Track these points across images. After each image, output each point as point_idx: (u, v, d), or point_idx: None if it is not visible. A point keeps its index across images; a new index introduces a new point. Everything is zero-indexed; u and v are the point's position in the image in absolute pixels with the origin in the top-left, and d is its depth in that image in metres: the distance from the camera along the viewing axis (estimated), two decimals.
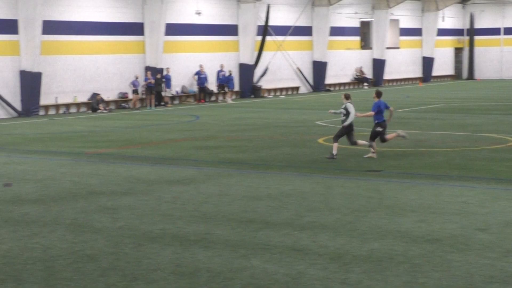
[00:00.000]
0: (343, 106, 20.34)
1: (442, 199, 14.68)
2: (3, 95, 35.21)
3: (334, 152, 20.00)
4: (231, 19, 47.72)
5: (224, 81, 45.56)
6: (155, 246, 11.38)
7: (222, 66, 45.87)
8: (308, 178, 17.39)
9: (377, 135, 20.64)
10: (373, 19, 59.61)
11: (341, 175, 17.76)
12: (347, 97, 20.62)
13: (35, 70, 35.68)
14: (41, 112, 36.73)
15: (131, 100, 40.76)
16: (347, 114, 20.17)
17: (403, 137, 21.42)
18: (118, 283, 9.60)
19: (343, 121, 20.25)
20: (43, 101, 36.76)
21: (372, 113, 20.71)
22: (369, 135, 20.77)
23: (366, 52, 59.98)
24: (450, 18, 67.61)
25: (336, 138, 20.26)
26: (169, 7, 42.57)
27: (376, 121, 20.64)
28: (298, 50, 53.09)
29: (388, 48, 60.87)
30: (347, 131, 20.28)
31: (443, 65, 68.63)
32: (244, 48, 48.19)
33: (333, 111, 21.43)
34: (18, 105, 35.90)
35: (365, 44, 60.49)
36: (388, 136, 21.00)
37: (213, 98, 45.72)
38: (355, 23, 58.56)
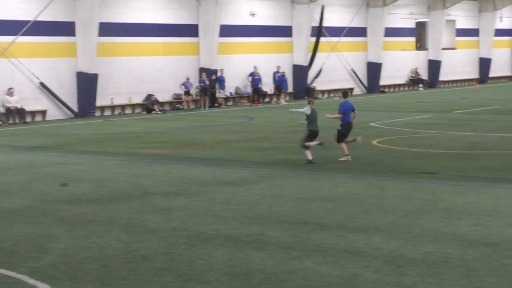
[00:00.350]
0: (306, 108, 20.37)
1: (499, 202, 14.44)
2: (60, 96, 35.73)
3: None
4: (285, 20, 47.69)
5: (278, 82, 45.54)
6: (208, 246, 11.42)
7: (278, 67, 45.88)
8: (362, 180, 17.28)
9: (342, 136, 20.56)
10: (428, 20, 58.97)
11: (396, 177, 17.61)
12: (311, 102, 20.84)
13: (92, 71, 36.14)
14: (97, 113, 37.18)
15: (184, 101, 41.01)
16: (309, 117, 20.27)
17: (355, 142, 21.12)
18: (171, 283, 9.65)
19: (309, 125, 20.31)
20: (99, 102, 37.21)
21: (339, 115, 20.68)
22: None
23: (421, 53, 59.39)
24: (508, 18, 66.50)
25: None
26: (224, 8, 42.73)
27: (341, 123, 20.60)
28: (352, 51, 52.82)
29: (444, 49, 60.15)
30: (311, 135, 20.30)
31: (501, 66, 67.55)
32: (298, 49, 48.13)
33: (294, 110, 21.38)
34: (74, 106, 36.40)
35: (421, 45, 59.90)
36: (349, 138, 20.80)
37: (266, 100, 45.75)
38: (411, 24, 58.01)
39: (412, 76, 57.87)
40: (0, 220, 13.51)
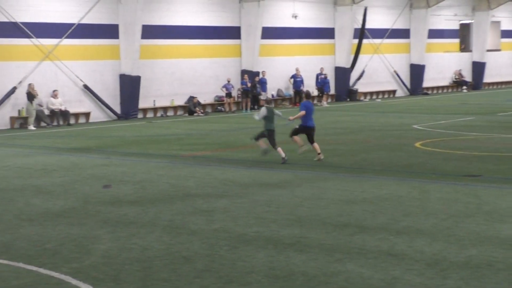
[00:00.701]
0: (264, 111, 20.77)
1: None
2: (103, 98, 36.06)
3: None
4: (328, 22, 47.59)
5: (320, 84, 45.44)
6: (249, 248, 11.42)
7: (321, 69, 45.80)
8: (404, 182, 17.15)
9: (296, 131, 20.86)
10: (473, 21, 58.39)
11: (438, 180, 17.44)
12: (268, 102, 21.42)
13: (134, 74, 36.42)
14: (140, 115, 37.46)
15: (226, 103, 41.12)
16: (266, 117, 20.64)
17: (302, 149, 21.17)
18: (213, 285, 9.67)
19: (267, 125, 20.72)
20: (142, 104, 37.47)
21: (302, 113, 20.74)
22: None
23: (465, 54, 58.81)
24: None
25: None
26: (266, 10, 42.76)
27: (302, 124, 20.86)
28: (395, 53, 52.51)
29: (488, 50, 59.50)
30: (268, 134, 20.73)
31: None
32: (340, 51, 47.99)
33: (257, 116, 21.44)
34: (117, 108, 36.71)
35: (465, 46, 59.32)
36: (297, 138, 20.95)
37: None
38: (455, 25, 57.49)
39: (455, 78, 57.35)
40: (44, 221, 13.66)
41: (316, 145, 20.84)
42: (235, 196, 15.78)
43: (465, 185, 16.72)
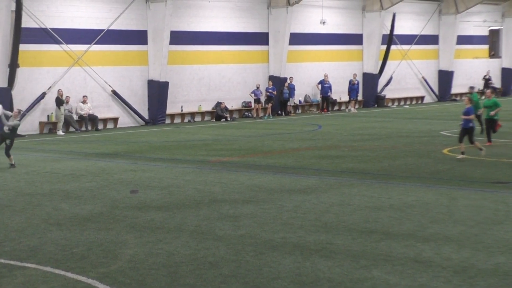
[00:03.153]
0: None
1: None
2: (131, 104, 36.25)
3: None
4: (356, 28, 47.49)
5: (349, 90, 45.33)
6: (275, 254, 11.42)
7: (354, 75, 45.68)
8: (432, 189, 17.06)
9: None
10: (502, 27, 57.96)
11: (466, 186, 17.34)
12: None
13: (162, 79, 36.57)
14: (167, 121, 37.59)
15: (254, 109, 41.15)
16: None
17: None
18: None
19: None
20: (169, 109, 37.61)
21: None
22: None
23: (494, 61, 58.38)
24: None
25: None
26: (294, 16, 42.76)
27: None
28: (423, 59, 52.25)
29: None
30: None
31: None
32: (368, 57, 47.86)
33: (6, 127, 21.71)
34: (145, 114, 36.88)
35: (494, 52, 58.90)
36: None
37: (335, 108, 45.61)
38: (484, 32, 57.10)
39: (486, 77, 56.76)
40: (72, 226, 13.76)
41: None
42: (262, 202, 15.78)
43: (493, 192, 16.60)
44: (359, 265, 10.75)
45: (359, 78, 47.02)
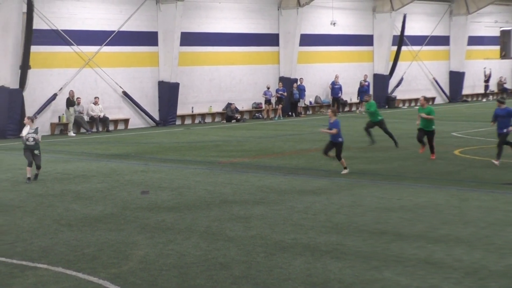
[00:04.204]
0: None
1: None
2: (142, 105, 36.31)
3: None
4: (366, 29, 47.43)
5: (358, 91, 45.29)
6: (286, 255, 11.42)
7: (365, 76, 45.65)
8: (443, 190, 17.02)
9: None
10: None
11: (478, 188, 17.29)
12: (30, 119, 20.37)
13: (173, 80, 36.62)
14: (178, 122, 37.63)
15: (264, 110, 41.13)
16: None
17: None
18: None
19: None
20: (180, 111, 37.65)
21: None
22: None
23: (506, 61, 58.20)
24: None
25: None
26: (304, 17, 42.75)
27: None
28: (434, 60, 52.15)
29: None
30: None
31: None
32: (378, 58, 47.79)
33: None
34: (156, 115, 36.92)
35: (506, 53, 58.72)
36: None
37: (346, 109, 45.57)
38: (495, 32, 56.94)
39: (501, 82, 56.62)
40: (83, 227, 13.80)
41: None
42: (272, 203, 15.79)
43: (504, 193, 16.56)
44: (370, 266, 10.73)
45: (370, 79, 46.98)
